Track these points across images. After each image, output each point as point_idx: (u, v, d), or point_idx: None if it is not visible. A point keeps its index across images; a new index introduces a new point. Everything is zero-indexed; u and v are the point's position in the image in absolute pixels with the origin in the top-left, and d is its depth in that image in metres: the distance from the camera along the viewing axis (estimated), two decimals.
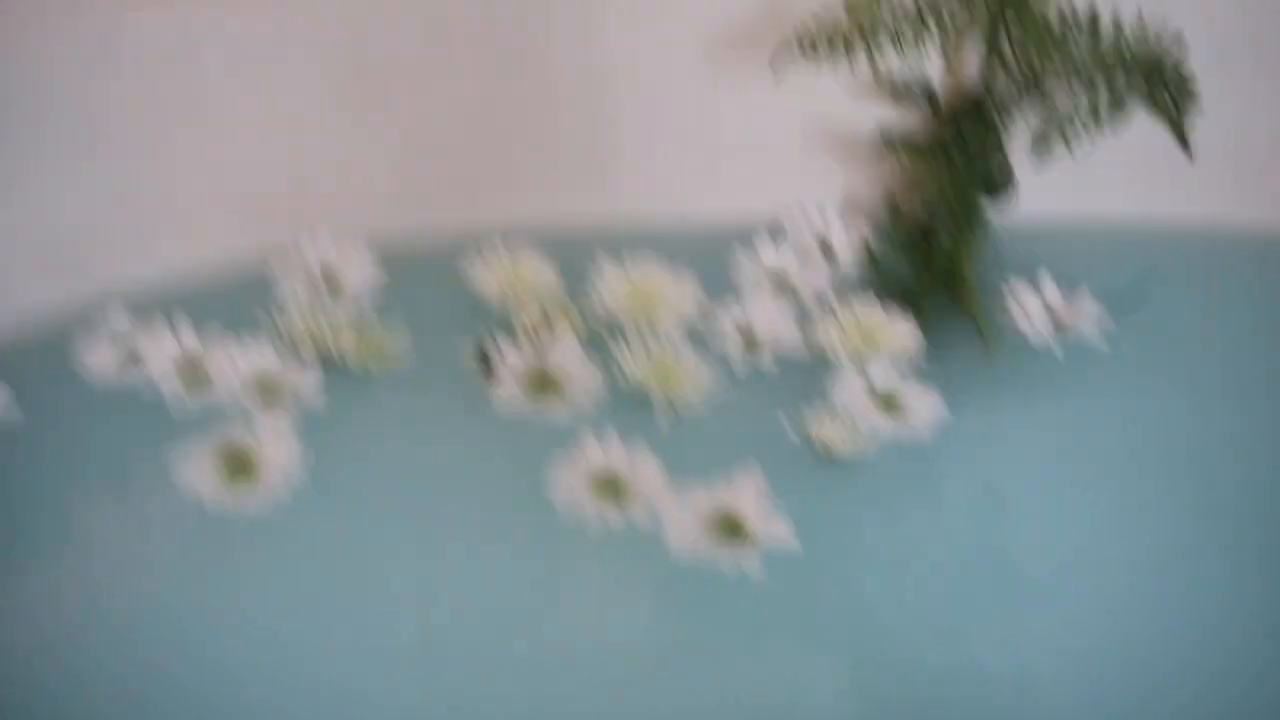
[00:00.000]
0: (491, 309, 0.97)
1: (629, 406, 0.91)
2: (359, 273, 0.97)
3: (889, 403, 0.91)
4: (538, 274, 0.98)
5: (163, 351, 0.91)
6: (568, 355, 0.92)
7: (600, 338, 0.95)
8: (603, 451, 0.85)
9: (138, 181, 0.96)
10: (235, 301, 0.96)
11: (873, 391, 0.91)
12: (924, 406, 0.90)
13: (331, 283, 0.96)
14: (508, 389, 0.91)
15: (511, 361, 0.92)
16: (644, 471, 0.85)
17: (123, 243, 0.97)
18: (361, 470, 0.87)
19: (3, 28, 0.92)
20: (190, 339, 0.91)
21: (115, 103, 0.94)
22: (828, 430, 0.88)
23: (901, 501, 0.87)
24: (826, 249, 1.02)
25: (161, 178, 0.96)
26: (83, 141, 0.93)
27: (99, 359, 0.91)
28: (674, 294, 0.97)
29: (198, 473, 0.84)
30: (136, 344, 0.91)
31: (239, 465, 0.85)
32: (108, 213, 0.96)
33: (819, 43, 0.88)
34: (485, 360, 0.93)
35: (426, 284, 0.99)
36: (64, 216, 0.94)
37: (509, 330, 0.95)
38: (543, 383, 0.91)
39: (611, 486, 0.85)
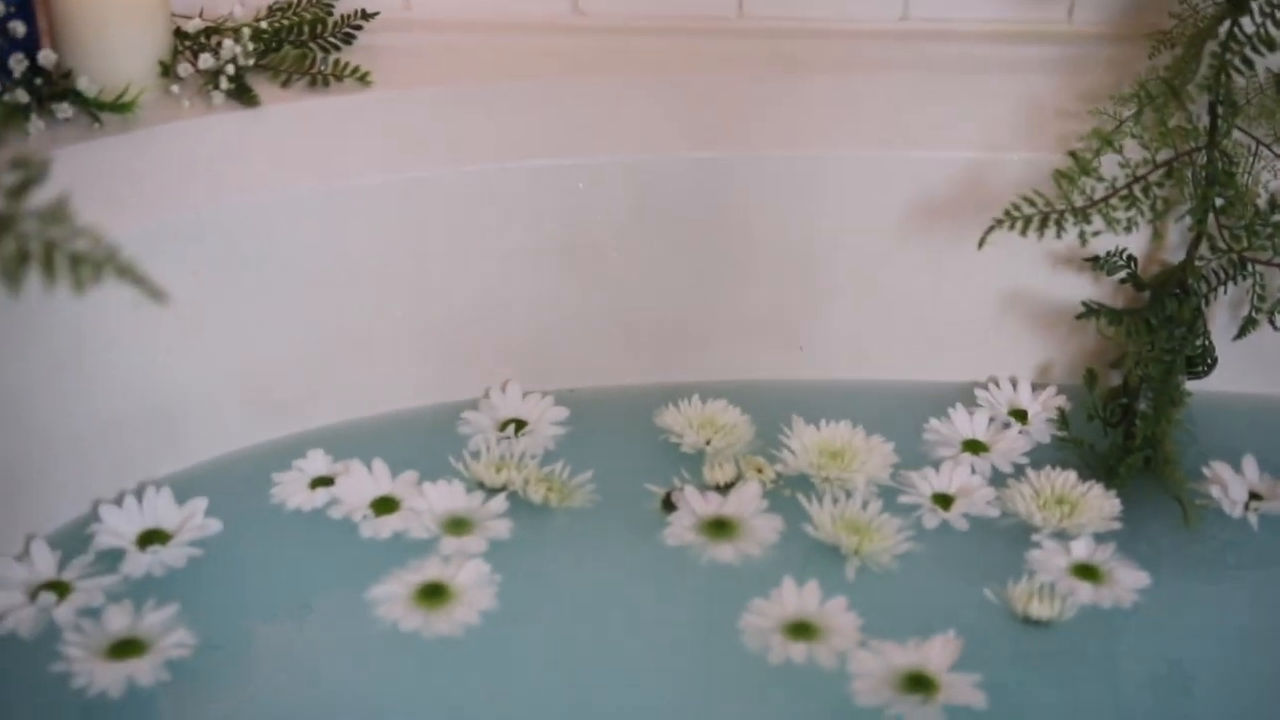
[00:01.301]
0: (682, 452, 1.00)
1: (818, 557, 0.92)
2: (548, 420, 1.02)
3: (1084, 570, 0.90)
4: (731, 423, 1.01)
5: (358, 488, 0.95)
6: (750, 503, 0.95)
7: (790, 490, 0.97)
8: (794, 596, 0.87)
9: (343, 329, 1.00)
10: (429, 443, 1.00)
11: (1069, 558, 0.91)
12: (1120, 575, 0.90)
13: (520, 430, 1.01)
14: (688, 530, 0.93)
15: (695, 505, 0.95)
16: (835, 620, 0.86)
17: (325, 386, 1.01)
18: (547, 600, 0.90)
19: (238, 179, 1.00)
20: (384, 477, 0.96)
21: (325, 252, 0.99)
22: (1022, 595, 0.88)
23: (1094, 668, 0.86)
24: (1022, 418, 1.02)
25: (364, 328, 1.01)
26: (294, 290, 0.98)
27: (296, 491, 0.95)
28: (866, 453, 0.99)
29: (389, 596, 0.88)
30: (334, 479, 0.96)
31: (430, 591, 0.89)
32: (313, 358, 1.00)
33: (1027, 219, 0.90)
34: (669, 502, 0.96)
35: (616, 430, 1.03)
36: (273, 357, 0.99)
37: (697, 475, 0.98)
38: (723, 527, 0.94)
39: (801, 630, 0.86)
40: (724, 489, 0.97)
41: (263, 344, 0.98)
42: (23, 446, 0.90)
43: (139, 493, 0.93)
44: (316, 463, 0.97)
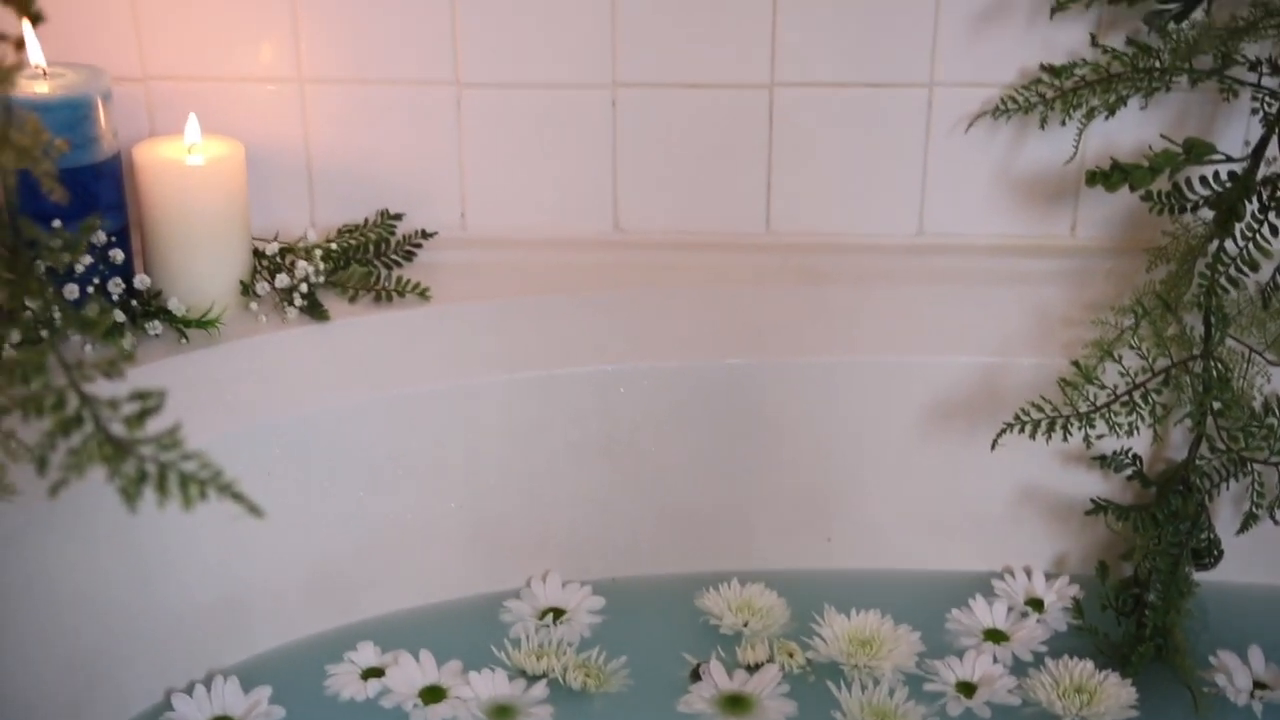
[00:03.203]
0: (720, 634, 1.05)
1: None
2: (585, 609, 1.07)
3: None
4: (768, 606, 1.07)
5: (407, 678, 1.00)
6: (768, 684, 0.99)
7: (814, 675, 1.01)
8: None
9: (396, 523, 1.06)
10: (473, 632, 1.05)
11: None
12: None
13: (559, 618, 1.06)
14: (705, 701, 0.98)
15: (719, 679, 1.00)
16: None
17: (378, 578, 1.07)
18: None
19: (309, 388, 1.07)
20: (431, 667, 1.01)
21: (384, 453, 1.05)
22: None
23: None
24: (1039, 607, 1.07)
25: (415, 522, 1.07)
26: (354, 487, 1.04)
27: (349, 682, 1.00)
28: (893, 642, 1.03)
29: None
30: (384, 670, 1.01)
31: None
32: (368, 551, 1.06)
33: (1036, 423, 0.96)
34: (696, 673, 1.01)
35: (654, 614, 1.07)
36: (333, 551, 1.05)
37: (732, 655, 1.03)
38: (739, 703, 0.98)
39: None
40: (754, 669, 1.02)
41: (324, 538, 1.04)
42: (107, 637, 0.95)
43: (208, 681, 0.98)
44: (367, 654, 1.02)
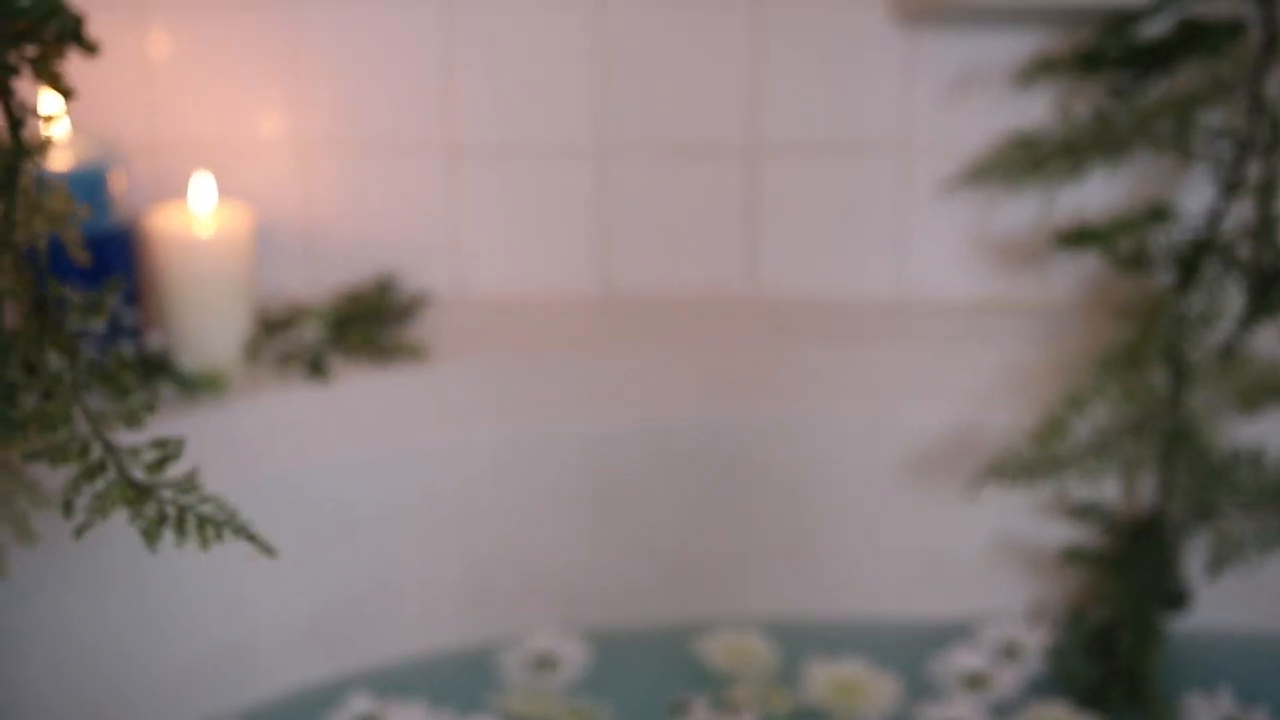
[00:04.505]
0: (708, 676, 1.08)
1: None
2: (577, 656, 1.09)
3: None
4: (755, 650, 1.10)
5: None
6: None
7: None
8: None
9: (393, 573, 1.09)
10: (466, 679, 1.07)
11: None
12: None
13: (548, 665, 1.09)
14: None
15: (699, 715, 1.03)
16: None
17: (374, 626, 1.09)
18: None
19: (311, 444, 1.11)
20: (423, 716, 1.03)
21: (383, 505, 1.08)
22: None
23: None
24: (1016, 652, 1.11)
25: (412, 571, 1.09)
26: (354, 538, 1.07)
27: None
28: (875, 688, 1.06)
29: None
30: (378, 719, 1.03)
31: None
32: (365, 601, 1.09)
33: (1010, 471, 1.00)
34: (677, 707, 1.04)
35: (643, 659, 1.10)
36: (332, 600, 1.08)
37: (719, 698, 1.05)
38: None
39: None
40: (736, 710, 1.04)
41: (323, 588, 1.07)
42: (112, 684, 0.98)
43: None
44: (361, 703, 1.04)
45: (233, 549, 0.72)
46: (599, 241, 1.22)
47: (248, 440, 1.04)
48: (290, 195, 1.19)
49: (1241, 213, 1.03)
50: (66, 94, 0.65)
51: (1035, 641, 1.11)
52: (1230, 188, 1.03)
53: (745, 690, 1.06)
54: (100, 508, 0.66)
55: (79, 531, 0.65)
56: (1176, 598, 1.07)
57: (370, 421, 1.08)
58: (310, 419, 1.07)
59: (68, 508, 0.66)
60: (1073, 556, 1.07)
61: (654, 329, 1.19)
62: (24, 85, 0.66)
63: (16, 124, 0.64)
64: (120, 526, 0.71)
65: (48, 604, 0.92)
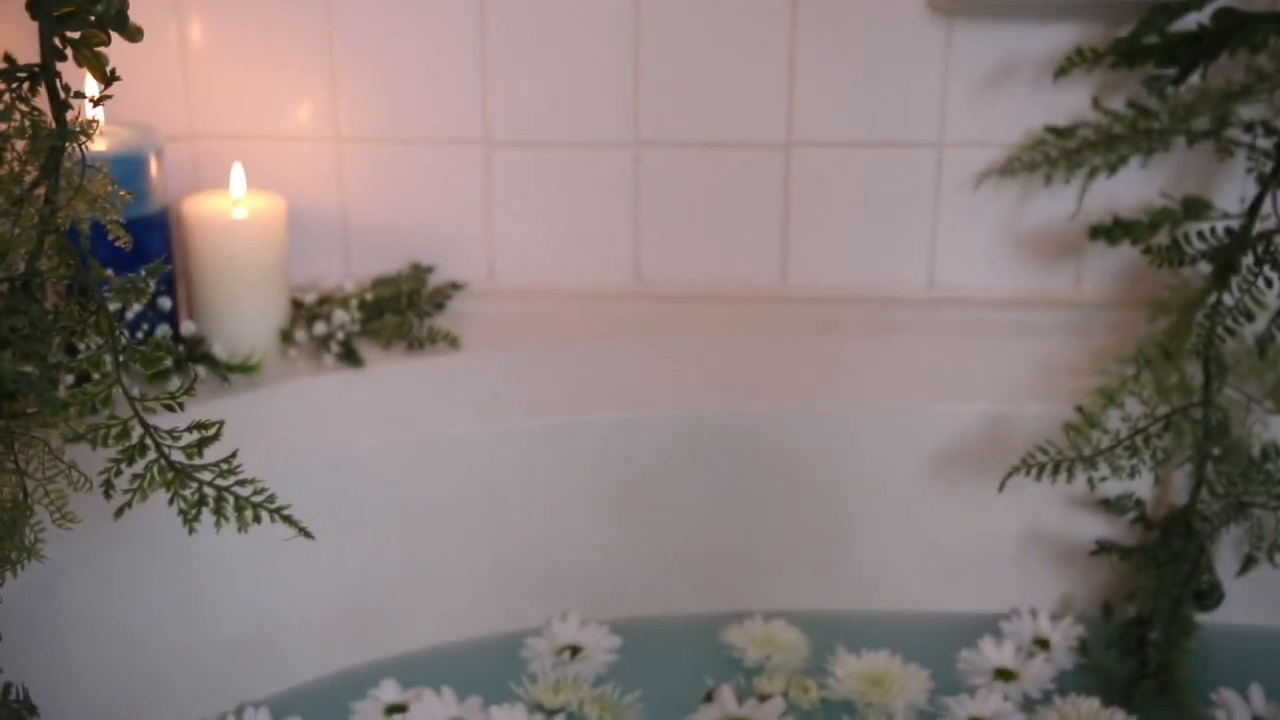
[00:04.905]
0: (744, 666, 1.08)
1: None
2: (602, 646, 1.10)
3: None
4: (790, 642, 1.10)
5: (429, 713, 1.02)
6: (771, 715, 1.02)
7: (830, 715, 1.04)
8: None
9: (424, 562, 1.10)
10: (495, 668, 1.08)
11: None
12: None
13: (577, 654, 1.09)
14: None
15: (728, 703, 1.03)
16: None
17: (405, 614, 1.10)
18: None
19: (343, 431, 1.12)
20: (452, 703, 1.03)
21: (414, 493, 1.08)
22: None
23: None
24: (1045, 646, 1.11)
25: (442, 561, 1.10)
26: (384, 526, 1.08)
27: (373, 718, 1.03)
28: (905, 680, 1.06)
29: None
30: (407, 707, 1.03)
31: None
32: (396, 589, 1.09)
33: (1041, 466, 1.00)
34: (709, 696, 1.04)
35: (670, 650, 1.11)
36: (362, 588, 1.08)
37: (750, 686, 1.06)
38: None
39: None
40: (765, 699, 1.04)
41: (353, 575, 1.08)
42: (148, 669, 0.99)
43: (239, 713, 1.01)
44: (390, 691, 1.05)
45: (265, 536, 0.73)
46: (632, 234, 1.22)
47: (281, 426, 1.04)
48: (325, 184, 1.19)
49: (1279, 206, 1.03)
50: (108, 78, 0.66)
51: (1064, 636, 1.11)
52: (1267, 181, 1.02)
53: (773, 681, 1.06)
54: (139, 489, 0.66)
55: (118, 513, 0.66)
56: (1208, 593, 1.07)
57: (402, 409, 1.09)
58: (343, 406, 1.08)
59: (108, 489, 0.66)
60: (1104, 551, 1.07)
61: (685, 322, 1.19)
62: (67, 69, 0.66)
63: (62, 106, 0.65)
64: (156, 512, 0.71)
65: (83, 587, 0.93)
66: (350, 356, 1.10)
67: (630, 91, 1.18)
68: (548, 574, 1.13)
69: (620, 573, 1.14)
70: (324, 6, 1.15)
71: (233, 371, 1.06)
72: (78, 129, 0.65)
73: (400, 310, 1.16)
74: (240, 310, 1.08)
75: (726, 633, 1.11)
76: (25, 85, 0.64)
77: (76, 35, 0.64)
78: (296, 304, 1.13)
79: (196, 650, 1.02)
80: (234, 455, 0.68)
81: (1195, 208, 1.02)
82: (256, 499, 0.68)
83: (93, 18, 0.63)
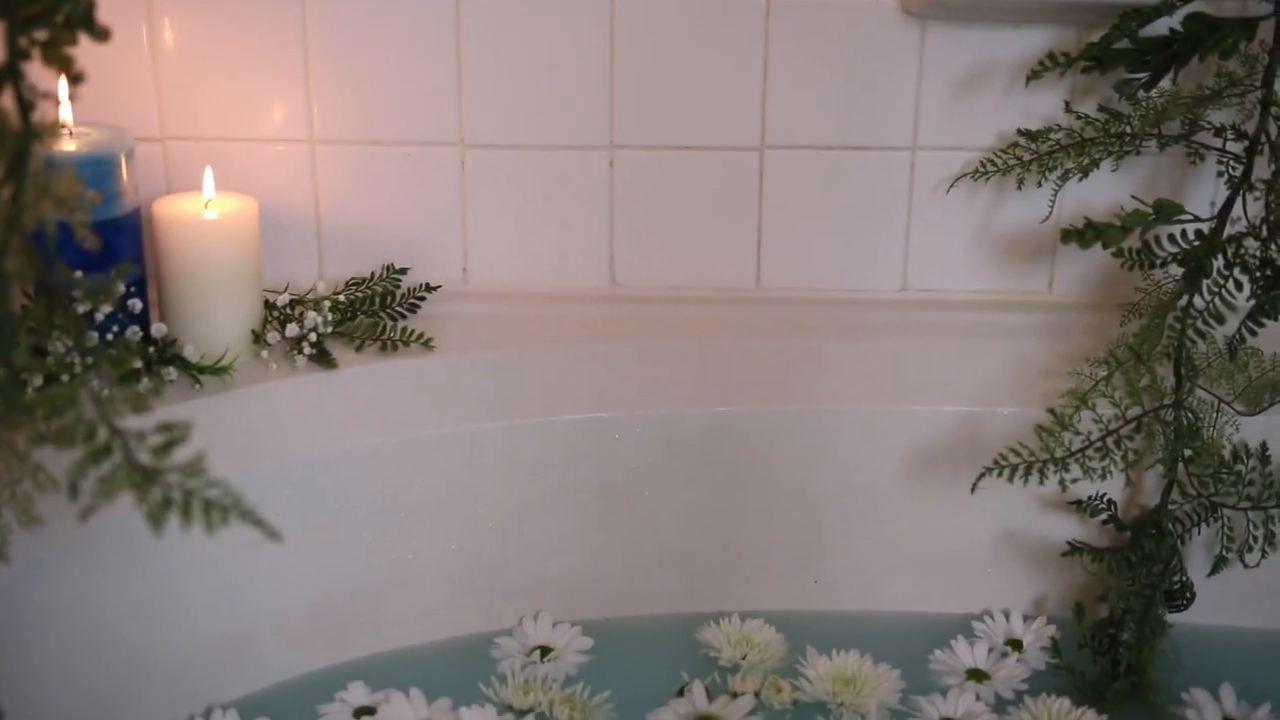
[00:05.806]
0: (720, 665, 1.08)
1: None
2: (574, 647, 1.10)
3: None
4: (766, 641, 1.10)
5: (398, 715, 1.02)
6: (738, 712, 1.02)
7: (801, 717, 1.04)
8: None
9: (396, 563, 1.09)
10: (465, 669, 1.07)
11: None
12: None
13: (547, 655, 1.09)
14: (676, 716, 1.02)
15: (698, 699, 1.03)
16: None
17: (376, 616, 1.10)
18: None
19: (316, 432, 1.11)
20: (421, 704, 1.03)
21: (387, 495, 1.08)
22: None
23: None
24: (1018, 647, 1.11)
25: (415, 562, 1.10)
26: (357, 528, 1.08)
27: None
28: (876, 680, 1.06)
29: None
30: (375, 709, 1.03)
31: None
32: (367, 591, 1.09)
33: (1014, 467, 1.00)
34: (681, 691, 1.05)
35: (641, 652, 1.11)
36: (333, 590, 1.08)
37: (721, 686, 1.06)
38: None
39: None
40: (737, 697, 1.05)
41: (325, 577, 1.07)
42: (116, 671, 0.98)
43: (208, 715, 1.01)
44: (358, 693, 1.04)
45: (234, 538, 0.72)
46: (606, 236, 1.22)
47: (253, 427, 1.04)
48: (299, 185, 1.19)
49: (1249, 210, 1.03)
50: (76, 79, 0.65)
51: (1037, 636, 1.11)
52: (1238, 185, 1.03)
53: (747, 680, 1.06)
54: (106, 491, 0.66)
55: (84, 514, 0.65)
56: (1179, 594, 1.07)
57: (375, 412, 1.09)
58: (315, 408, 1.07)
59: (73, 490, 0.66)
60: (1076, 551, 1.07)
61: (660, 324, 1.19)
62: (34, 70, 0.66)
63: (26, 107, 0.64)
64: (122, 514, 0.71)
65: (48, 589, 0.93)
66: (323, 358, 1.10)
67: (605, 94, 1.18)
68: (523, 575, 1.13)
69: (597, 574, 1.14)
70: (298, 7, 1.15)
71: (204, 373, 1.05)
72: (43, 130, 0.64)
73: (374, 312, 1.16)
74: (212, 312, 1.07)
75: (703, 632, 1.12)
76: None
77: (44, 36, 0.63)
78: (269, 305, 1.13)
79: (166, 652, 1.01)
80: (201, 457, 0.67)
81: (1167, 211, 1.03)
82: (225, 500, 0.67)
83: (60, 18, 0.63)
